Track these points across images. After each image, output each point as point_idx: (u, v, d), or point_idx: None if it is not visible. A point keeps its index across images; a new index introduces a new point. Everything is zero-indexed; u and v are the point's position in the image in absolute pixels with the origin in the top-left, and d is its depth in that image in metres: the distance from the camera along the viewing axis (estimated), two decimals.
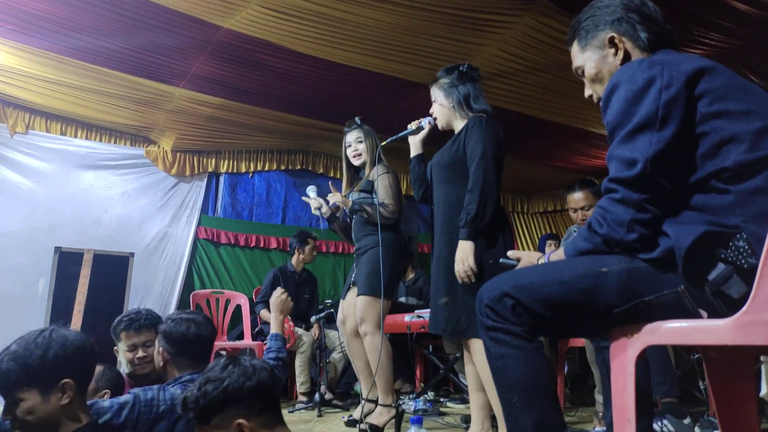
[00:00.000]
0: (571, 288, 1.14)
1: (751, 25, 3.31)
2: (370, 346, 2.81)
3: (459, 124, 2.36)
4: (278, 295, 2.21)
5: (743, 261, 1.01)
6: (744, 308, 0.94)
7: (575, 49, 1.41)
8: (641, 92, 1.13)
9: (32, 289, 4.28)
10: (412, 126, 2.53)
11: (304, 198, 3.19)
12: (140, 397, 1.58)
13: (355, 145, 3.05)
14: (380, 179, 2.90)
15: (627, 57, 1.31)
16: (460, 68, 2.37)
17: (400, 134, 2.56)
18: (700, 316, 1.06)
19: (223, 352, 3.90)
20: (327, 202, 3.10)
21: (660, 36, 1.31)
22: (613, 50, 1.32)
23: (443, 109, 2.38)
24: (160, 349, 1.80)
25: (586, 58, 1.38)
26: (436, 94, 2.40)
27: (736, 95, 1.10)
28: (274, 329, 2.15)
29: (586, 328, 1.30)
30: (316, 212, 3.10)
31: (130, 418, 1.53)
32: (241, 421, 1.27)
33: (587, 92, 1.42)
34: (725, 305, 1.03)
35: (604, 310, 1.12)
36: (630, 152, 1.11)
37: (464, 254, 2.10)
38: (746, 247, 1.01)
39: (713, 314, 1.05)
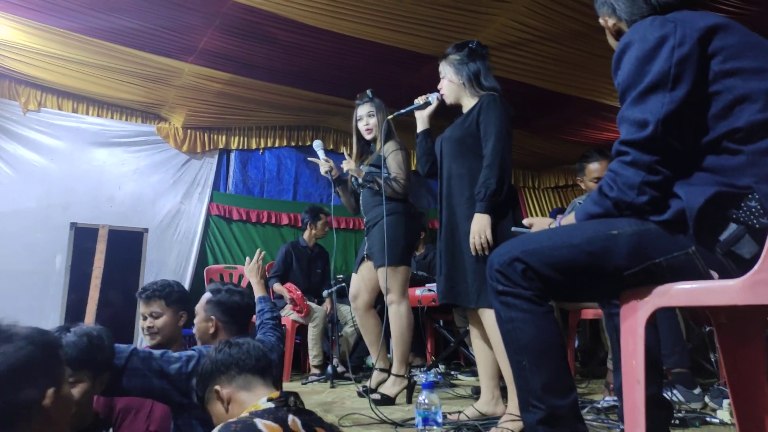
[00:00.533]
0: (582, 251, 1.14)
1: None
2: (395, 314, 2.84)
3: (468, 101, 2.37)
4: (251, 262, 2.33)
5: (755, 221, 1.00)
6: (755, 267, 0.94)
7: None
8: (653, 51, 1.11)
9: (50, 265, 4.36)
10: (419, 101, 2.54)
11: (310, 159, 3.21)
12: (203, 351, 1.73)
13: (366, 119, 3.05)
14: (392, 155, 2.93)
15: (620, 33, 1.33)
16: (470, 45, 2.38)
17: (407, 109, 2.57)
18: (710, 277, 1.05)
19: None
20: (340, 169, 3.13)
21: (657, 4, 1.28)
22: (607, 31, 1.38)
23: (452, 85, 2.39)
24: (212, 317, 1.96)
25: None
26: (446, 70, 2.41)
27: (751, 52, 1.08)
28: (258, 293, 2.26)
29: (597, 291, 1.30)
30: (327, 175, 3.13)
31: (197, 369, 1.65)
32: (216, 387, 1.40)
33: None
34: (736, 266, 1.03)
35: (614, 272, 1.12)
36: (641, 113, 1.10)
37: (482, 227, 2.11)
38: (758, 207, 1.00)
39: (724, 275, 1.04)
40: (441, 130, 2.48)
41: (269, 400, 1.34)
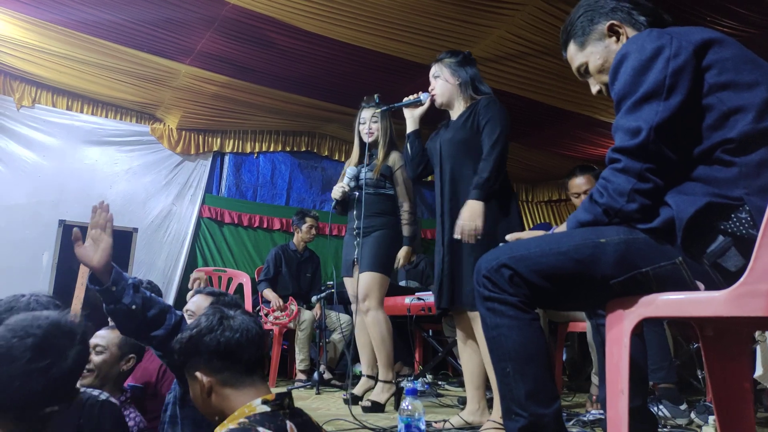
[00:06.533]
0: (569, 258, 1.13)
1: None
2: (373, 321, 2.85)
3: (460, 105, 2.38)
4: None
5: (744, 231, 1.00)
6: (741, 279, 0.93)
7: (572, 49, 1.41)
8: (649, 61, 1.12)
9: (37, 262, 4.31)
10: (410, 98, 2.51)
11: (341, 186, 3.06)
12: None
13: (369, 123, 3.03)
14: (400, 171, 3.00)
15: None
16: (465, 53, 2.43)
17: (398, 104, 2.55)
18: (697, 288, 1.05)
19: None
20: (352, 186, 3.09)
21: (656, 19, 1.31)
22: (614, 38, 1.33)
23: (448, 85, 2.38)
24: None
25: (588, 53, 1.37)
26: (443, 70, 2.40)
27: (745, 67, 1.09)
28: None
29: (583, 299, 1.29)
30: (338, 194, 3.05)
31: None
32: (197, 373, 1.28)
33: (595, 88, 1.41)
34: (723, 278, 1.02)
35: (601, 281, 1.12)
36: (635, 121, 1.10)
37: (475, 214, 2.09)
38: (748, 218, 1.00)
39: (711, 287, 1.04)
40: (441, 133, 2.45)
41: (264, 402, 1.26)
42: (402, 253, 2.99)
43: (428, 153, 2.48)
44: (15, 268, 4.26)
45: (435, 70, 2.43)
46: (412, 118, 2.52)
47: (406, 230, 3.00)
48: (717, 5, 3.18)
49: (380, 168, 2.98)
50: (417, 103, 2.50)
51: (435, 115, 2.53)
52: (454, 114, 2.40)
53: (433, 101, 2.44)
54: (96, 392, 1.65)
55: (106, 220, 1.60)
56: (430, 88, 2.44)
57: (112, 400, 1.68)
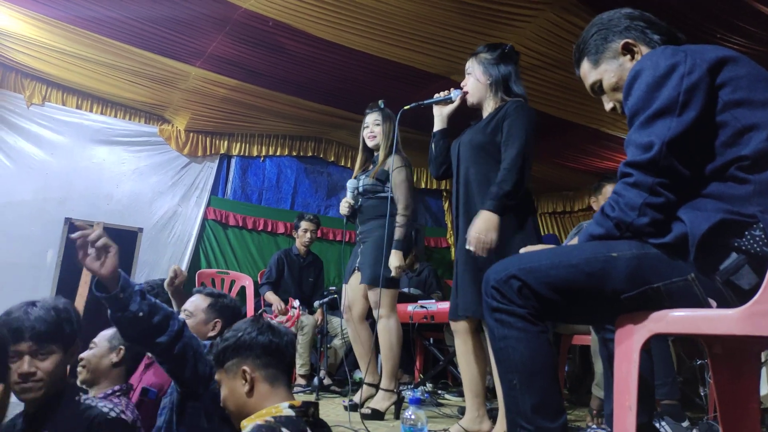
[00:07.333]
0: (580, 272, 1.13)
1: None
2: (384, 328, 2.82)
3: (490, 105, 2.27)
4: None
5: (758, 249, 0.99)
6: (755, 297, 0.93)
7: (586, 66, 1.40)
8: (663, 78, 1.12)
9: (41, 259, 4.32)
10: (441, 95, 2.38)
11: (346, 199, 3.02)
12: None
13: (372, 127, 3.03)
14: (397, 172, 2.88)
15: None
16: (504, 48, 2.29)
17: (428, 101, 2.39)
18: (709, 306, 1.04)
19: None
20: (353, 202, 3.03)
21: (670, 37, 1.32)
22: (629, 56, 1.33)
23: (479, 84, 2.27)
24: (217, 320, 2.03)
25: (602, 71, 1.37)
26: (474, 67, 2.29)
27: (759, 85, 1.09)
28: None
29: (593, 313, 1.29)
30: (345, 211, 3.01)
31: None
32: (245, 368, 1.38)
33: (609, 105, 1.40)
34: (735, 296, 1.02)
35: (611, 295, 1.11)
36: (647, 136, 1.11)
37: (489, 226, 1.99)
38: (762, 236, 1.00)
39: (723, 304, 1.04)
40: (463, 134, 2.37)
41: (291, 406, 1.33)
42: (392, 260, 2.74)
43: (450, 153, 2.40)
44: (19, 265, 4.26)
45: (468, 65, 2.32)
46: (440, 116, 2.41)
47: (396, 233, 2.79)
48: (727, 23, 3.18)
49: (377, 172, 2.94)
50: (447, 101, 2.37)
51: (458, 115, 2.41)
52: (484, 114, 2.30)
53: (464, 100, 2.33)
54: (107, 408, 1.63)
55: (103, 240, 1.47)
56: (462, 84, 2.34)
57: (123, 416, 1.66)
